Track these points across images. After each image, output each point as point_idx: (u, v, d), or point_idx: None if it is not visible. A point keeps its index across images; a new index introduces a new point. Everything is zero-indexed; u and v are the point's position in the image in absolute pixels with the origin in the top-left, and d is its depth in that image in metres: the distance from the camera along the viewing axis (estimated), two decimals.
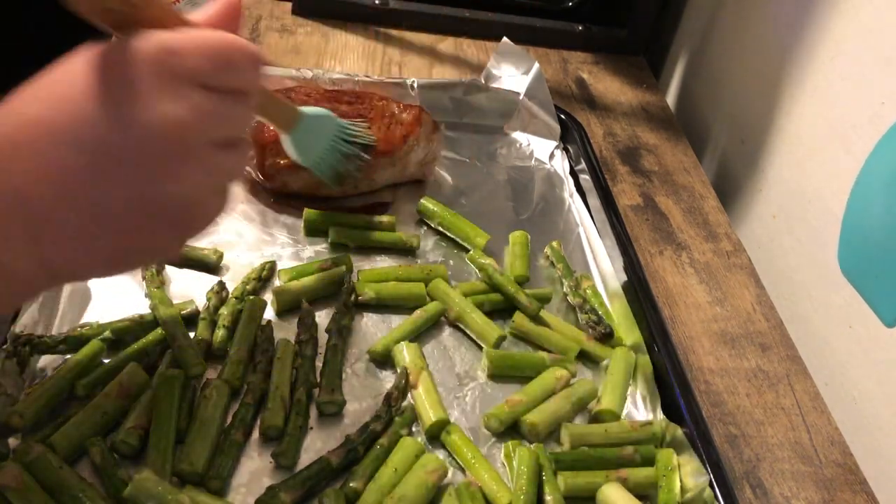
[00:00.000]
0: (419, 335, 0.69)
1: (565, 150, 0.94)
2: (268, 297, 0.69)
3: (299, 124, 0.62)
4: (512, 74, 0.98)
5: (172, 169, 0.43)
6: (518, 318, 0.70)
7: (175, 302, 0.65)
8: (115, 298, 0.66)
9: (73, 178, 0.41)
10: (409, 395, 0.63)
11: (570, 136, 0.94)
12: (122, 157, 0.41)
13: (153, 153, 0.42)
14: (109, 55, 0.41)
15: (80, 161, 0.40)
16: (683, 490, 0.59)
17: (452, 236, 0.79)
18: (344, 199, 0.80)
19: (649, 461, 0.61)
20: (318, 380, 0.62)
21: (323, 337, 0.66)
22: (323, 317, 0.68)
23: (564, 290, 0.76)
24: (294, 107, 0.63)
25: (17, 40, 0.79)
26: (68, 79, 0.41)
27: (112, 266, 0.47)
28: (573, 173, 0.91)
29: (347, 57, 1.06)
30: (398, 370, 0.64)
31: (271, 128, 0.73)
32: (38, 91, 0.42)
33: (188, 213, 0.45)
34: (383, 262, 0.75)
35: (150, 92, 0.41)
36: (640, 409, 0.67)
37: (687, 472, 0.60)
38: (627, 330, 0.72)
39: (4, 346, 0.58)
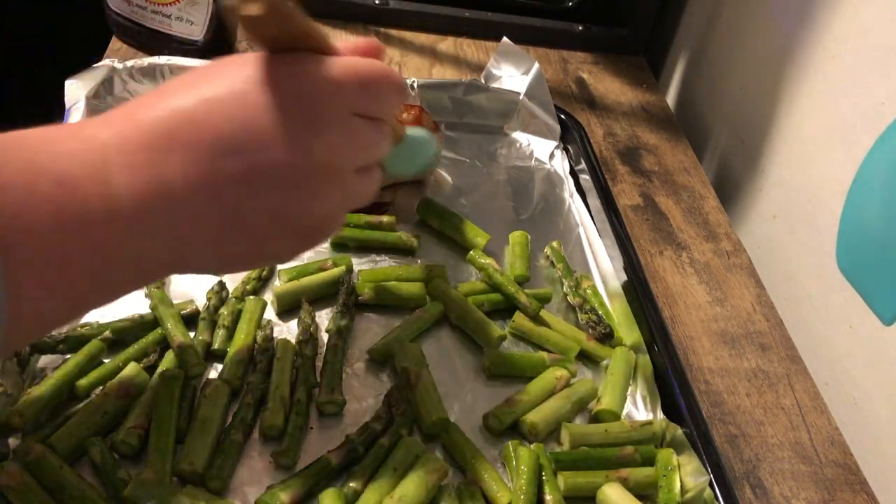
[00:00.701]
0: (419, 335, 0.69)
1: (565, 150, 0.94)
2: (268, 297, 0.69)
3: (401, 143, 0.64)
4: (512, 74, 0.98)
5: (321, 192, 0.45)
6: (518, 318, 0.70)
7: (175, 302, 0.65)
8: None
9: (224, 185, 0.42)
10: (409, 395, 0.63)
11: (570, 136, 0.94)
12: (281, 175, 0.43)
13: (311, 176, 0.44)
14: (281, 76, 0.43)
15: (236, 171, 0.42)
16: (683, 490, 0.59)
17: (452, 236, 0.79)
18: None
19: (649, 461, 0.61)
20: (318, 380, 0.62)
21: (323, 337, 0.66)
22: (323, 317, 0.68)
23: (564, 290, 0.76)
24: (402, 127, 0.64)
25: None
26: (239, 88, 0.43)
27: (230, 266, 0.50)
28: (573, 173, 0.91)
29: None
30: (398, 370, 0.64)
31: None
32: (198, 90, 0.43)
33: (319, 230, 0.48)
34: (383, 262, 0.75)
35: (322, 121, 0.44)
36: (640, 409, 0.67)
37: (687, 472, 0.60)
38: (627, 330, 0.72)
39: None
